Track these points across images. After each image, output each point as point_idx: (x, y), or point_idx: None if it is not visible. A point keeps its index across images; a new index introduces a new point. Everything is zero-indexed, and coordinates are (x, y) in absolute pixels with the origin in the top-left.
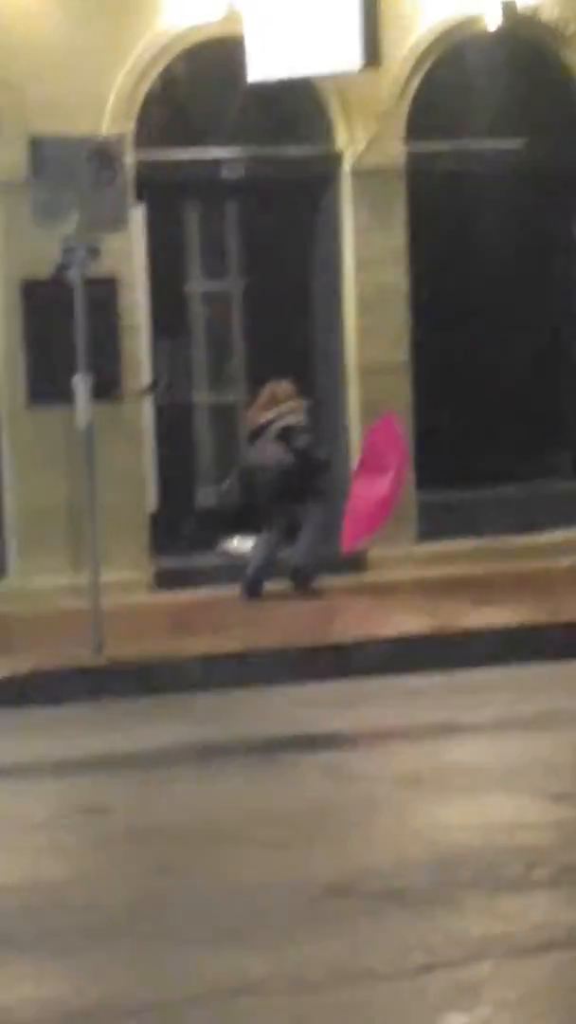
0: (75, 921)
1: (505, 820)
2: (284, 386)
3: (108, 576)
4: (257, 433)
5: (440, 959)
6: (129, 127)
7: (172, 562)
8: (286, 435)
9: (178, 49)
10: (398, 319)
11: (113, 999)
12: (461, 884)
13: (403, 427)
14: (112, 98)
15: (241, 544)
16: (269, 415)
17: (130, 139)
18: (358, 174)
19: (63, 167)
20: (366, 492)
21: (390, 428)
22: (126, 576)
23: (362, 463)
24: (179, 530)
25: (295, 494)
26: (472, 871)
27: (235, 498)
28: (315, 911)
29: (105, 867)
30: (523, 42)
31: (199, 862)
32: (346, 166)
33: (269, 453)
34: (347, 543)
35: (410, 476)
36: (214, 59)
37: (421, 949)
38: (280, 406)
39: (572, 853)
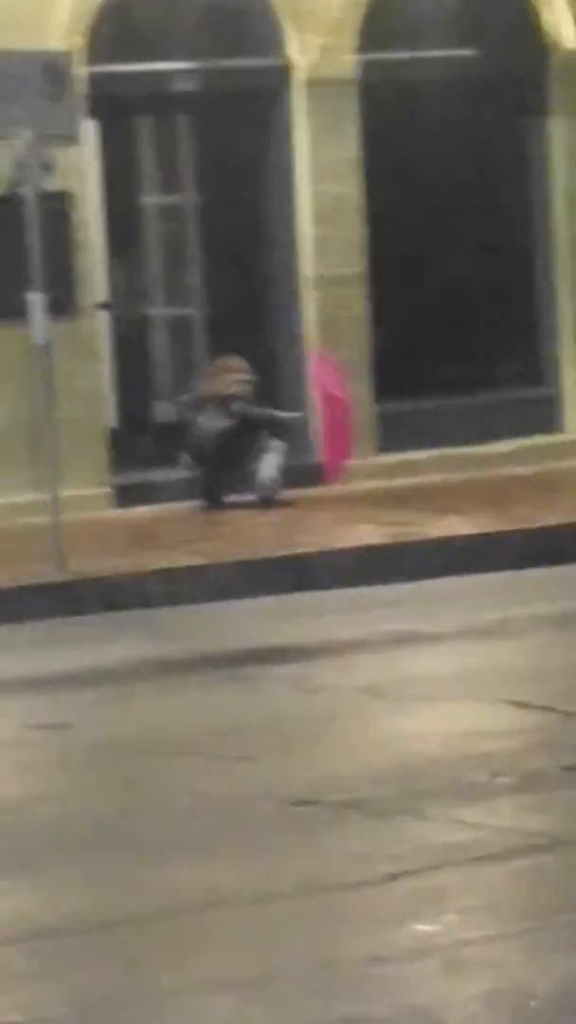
0: (42, 837)
1: (467, 728)
2: (232, 361)
3: (68, 492)
4: (202, 405)
5: (405, 868)
6: (79, 41)
7: (132, 477)
8: (225, 402)
9: None
10: (353, 230)
11: (82, 914)
12: (424, 793)
13: (331, 358)
14: (61, 13)
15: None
16: (213, 387)
17: (81, 53)
18: (310, 85)
19: (12, 82)
20: (330, 420)
21: (322, 365)
22: (86, 492)
23: (319, 393)
24: (138, 445)
25: (241, 454)
26: (435, 780)
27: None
28: (281, 823)
29: (70, 783)
30: None
31: (164, 776)
32: (298, 77)
33: (205, 421)
34: (330, 473)
35: (369, 388)
36: None
37: (386, 858)
38: (225, 377)
39: (533, 759)
